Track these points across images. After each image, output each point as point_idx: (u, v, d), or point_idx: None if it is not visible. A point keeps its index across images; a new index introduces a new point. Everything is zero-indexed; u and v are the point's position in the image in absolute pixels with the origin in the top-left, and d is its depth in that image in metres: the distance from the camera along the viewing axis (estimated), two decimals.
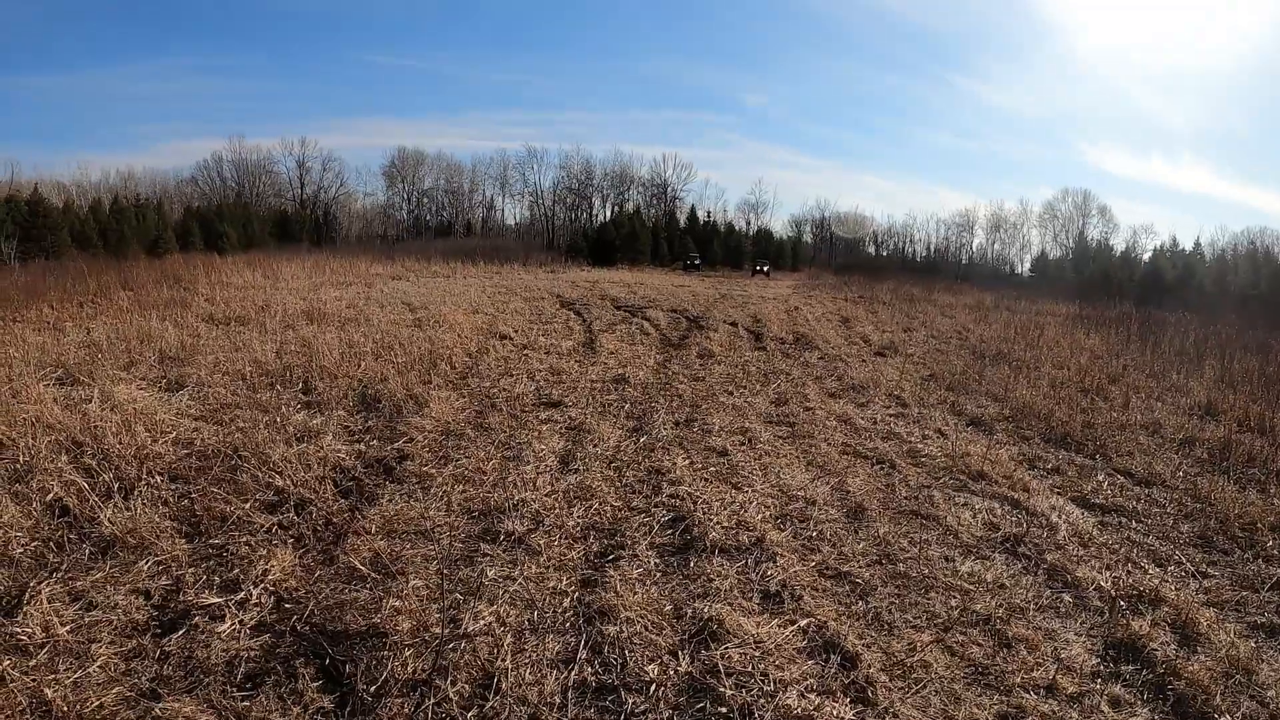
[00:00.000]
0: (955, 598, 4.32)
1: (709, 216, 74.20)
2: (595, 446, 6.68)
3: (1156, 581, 4.67)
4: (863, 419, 8.39)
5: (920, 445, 7.38)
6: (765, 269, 50.56)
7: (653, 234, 63.70)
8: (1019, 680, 3.56)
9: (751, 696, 3.28)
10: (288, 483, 5.34)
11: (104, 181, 68.41)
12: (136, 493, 5.09)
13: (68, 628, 3.59)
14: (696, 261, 54.04)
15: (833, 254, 77.64)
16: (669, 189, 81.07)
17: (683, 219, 73.29)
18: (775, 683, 3.37)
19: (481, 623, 3.73)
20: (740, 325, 16.47)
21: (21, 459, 5.45)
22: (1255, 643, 4.07)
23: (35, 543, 4.40)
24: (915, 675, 3.54)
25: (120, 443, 5.85)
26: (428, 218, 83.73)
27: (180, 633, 3.62)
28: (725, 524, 5.07)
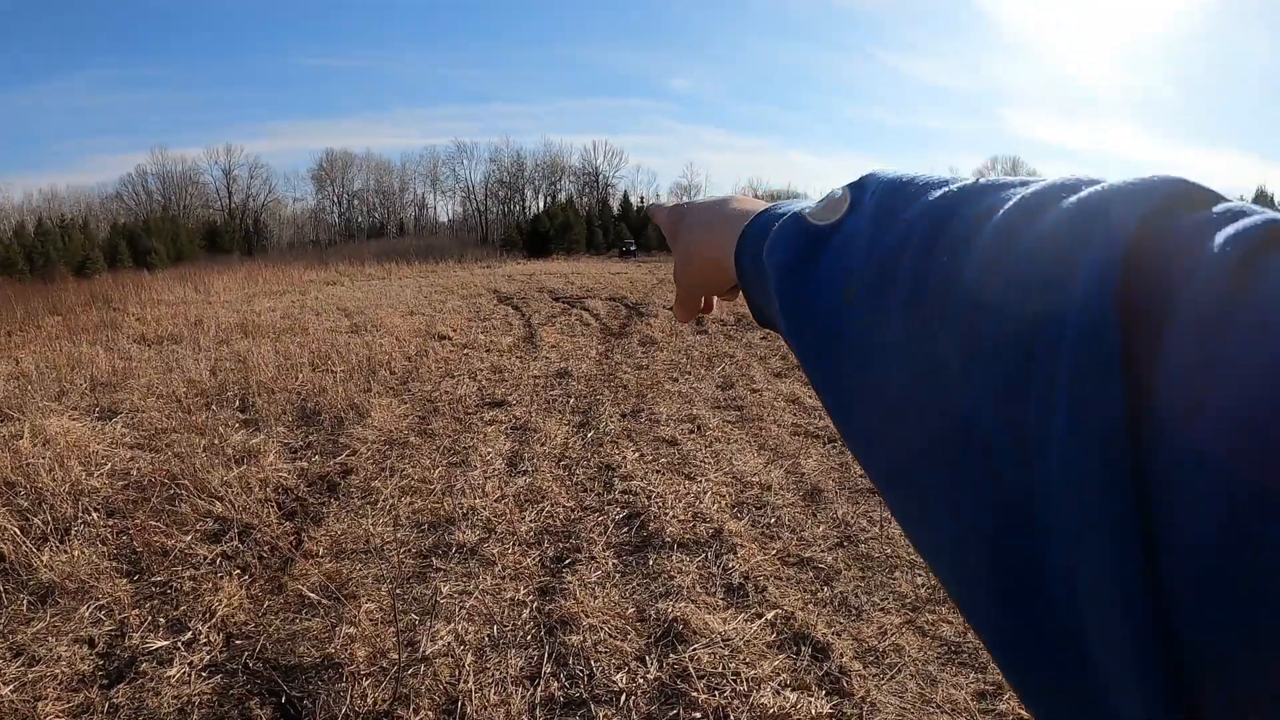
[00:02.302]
0: (921, 575, 4.26)
1: (643, 202, 74.41)
2: (542, 445, 6.53)
3: None
4: (810, 397, 8.32)
5: None
6: None
7: (587, 223, 63.84)
8: None
9: (725, 699, 3.17)
10: (229, 509, 5.10)
11: (26, 203, 66.94)
12: (73, 532, 4.83)
13: (10, 686, 3.35)
14: (632, 248, 54.26)
15: None
16: (601, 177, 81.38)
17: (616, 206, 73.59)
18: (748, 681, 3.27)
19: (440, 643, 3.58)
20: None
21: None
22: None
23: None
24: (889, 660, 3.48)
25: (54, 480, 5.55)
26: (359, 220, 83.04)
27: (128, 681, 3.40)
28: (681, 517, 4.96)
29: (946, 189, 0.37)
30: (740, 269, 0.58)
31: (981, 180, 0.36)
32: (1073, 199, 0.30)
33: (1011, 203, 0.32)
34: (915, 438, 0.34)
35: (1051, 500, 0.26)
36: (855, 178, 0.48)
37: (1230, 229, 0.25)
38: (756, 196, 0.67)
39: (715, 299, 0.74)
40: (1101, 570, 0.24)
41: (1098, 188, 0.29)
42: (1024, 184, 0.34)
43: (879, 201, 0.42)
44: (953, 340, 0.32)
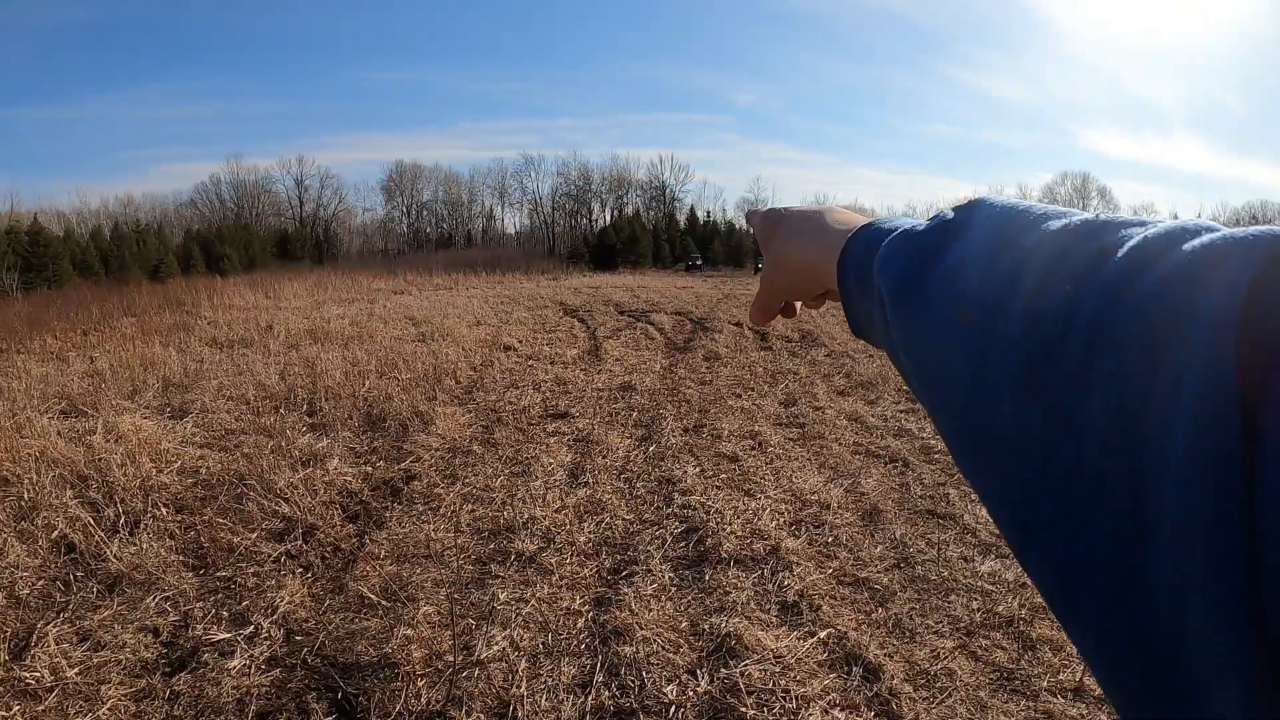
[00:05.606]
0: (977, 600, 4.23)
1: (709, 216, 74.46)
2: (604, 458, 6.61)
3: None
4: (873, 416, 8.29)
5: (932, 441, 7.28)
6: None
7: (653, 236, 63.84)
8: (1045, 684, 3.47)
9: (774, 715, 3.20)
10: (294, 509, 5.28)
11: (103, 208, 69.02)
12: (142, 526, 5.03)
13: (76, 669, 3.51)
14: (698, 262, 54.15)
15: None
16: (667, 190, 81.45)
17: (682, 220, 73.54)
18: (798, 699, 3.29)
19: (495, 648, 3.66)
20: (745, 325, 16.36)
21: (26, 495, 5.40)
22: None
23: (42, 582, 4.35)
24: (940, 684, 3.46)
25: (125, 475, 5.79)
26: (428, 230, 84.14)
27: (189, 670, 3.54)
28: (739, 533, 4.99)
29: (1066, 221, 0.40)
30: (843, 280, 0.60)
31: (1101, 216, 0.39)
32: (1195, 243, 0.32)
33: (1134, 241, 0.35)
34: (1025, 459, 0.36)
35: (1164, 519, 0.28)
36: (963, 201, 0.50)
37: None
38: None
39: (798, 304, 0.76)
40: (1208, 580, 0.26)
41: (1218, 235, 0.31)
42: (1143, 224, 0.36)
43: (995, 227, 0.45)
44: (1069, 367, 0.34)
